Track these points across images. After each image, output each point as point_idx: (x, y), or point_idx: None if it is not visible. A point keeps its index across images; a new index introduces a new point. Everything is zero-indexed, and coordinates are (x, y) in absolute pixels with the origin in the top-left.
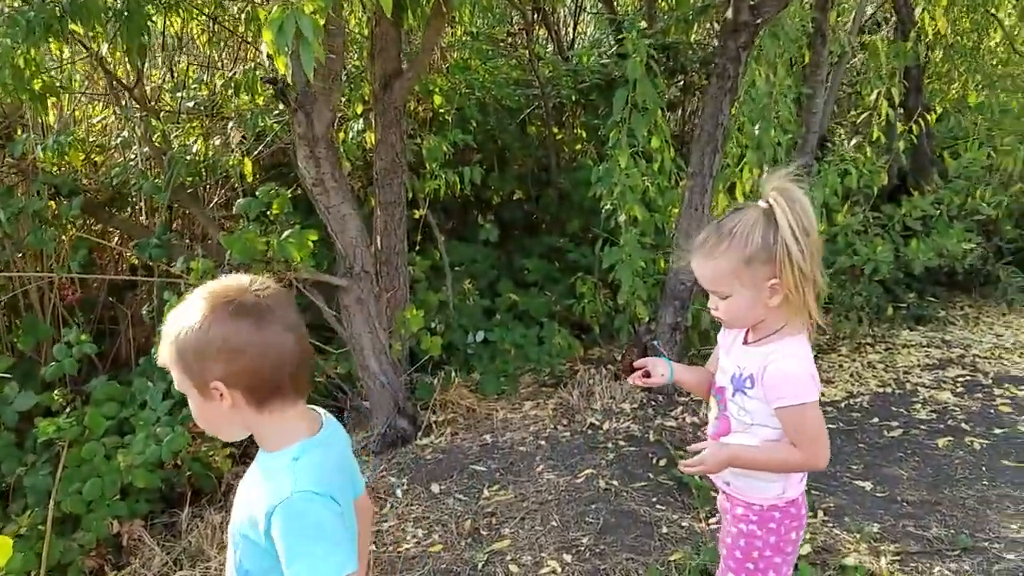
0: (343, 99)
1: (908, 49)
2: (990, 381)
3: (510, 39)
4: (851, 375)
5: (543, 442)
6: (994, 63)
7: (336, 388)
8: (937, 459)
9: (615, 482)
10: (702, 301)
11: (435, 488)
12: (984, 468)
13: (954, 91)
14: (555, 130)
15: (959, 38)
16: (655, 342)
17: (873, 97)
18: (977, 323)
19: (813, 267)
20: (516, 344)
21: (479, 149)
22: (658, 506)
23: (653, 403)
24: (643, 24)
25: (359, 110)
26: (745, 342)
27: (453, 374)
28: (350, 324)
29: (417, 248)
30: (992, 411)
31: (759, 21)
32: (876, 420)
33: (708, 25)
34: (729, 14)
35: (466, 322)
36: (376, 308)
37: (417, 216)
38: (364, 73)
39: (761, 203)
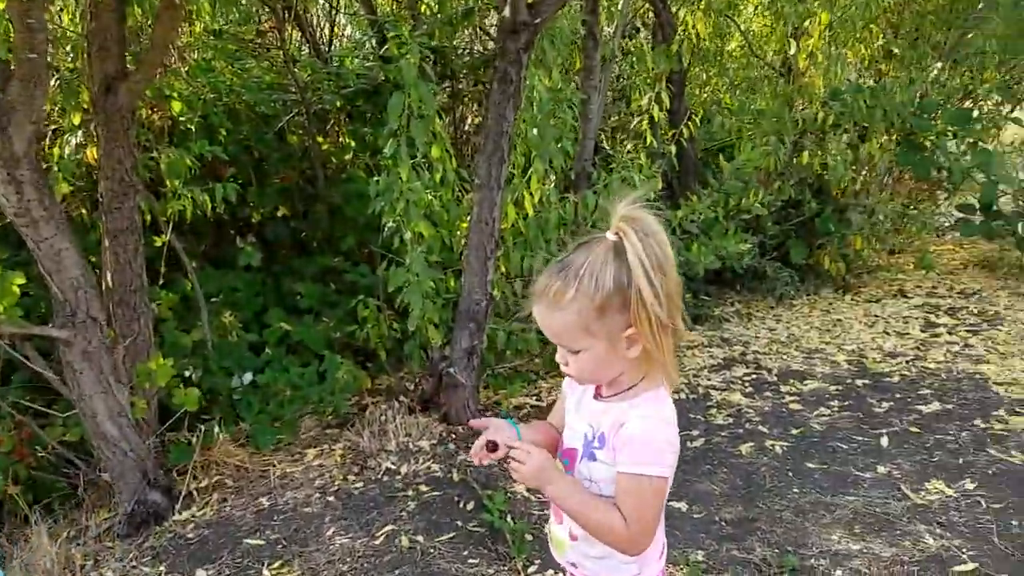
0: (54, 107)
1: (673, 53)
2: (775, 378)
3: (260, 39)
4: None
5: (332, 498)
6: (735, 67)
7: (66, 461)
8: (744, 468)
9: (420, 538)
10: (498, 320)
11: (201, 574)
12: (791, 473)
13: (706, 95)
14: (319, 139)
15: (705, 42)
16: (450, 369)
17: (645, 102)
18: (750, 319)
19: (672, 312)
20: (292, 384)
21: (232, 162)
22: (470, 560)
23: (454, 435)
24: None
25: (77, 120)
26: (598, 395)
27: (216, 428)
28: (76, 385)
29: (162, 281)
30: (784, 410)
31: (538, 21)
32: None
33: (471, 30)
34: (507, 13)
35: (229, 363)
36: (110, 361)
37: (160, 243)
38: (81, 76)
39: (610, 235)
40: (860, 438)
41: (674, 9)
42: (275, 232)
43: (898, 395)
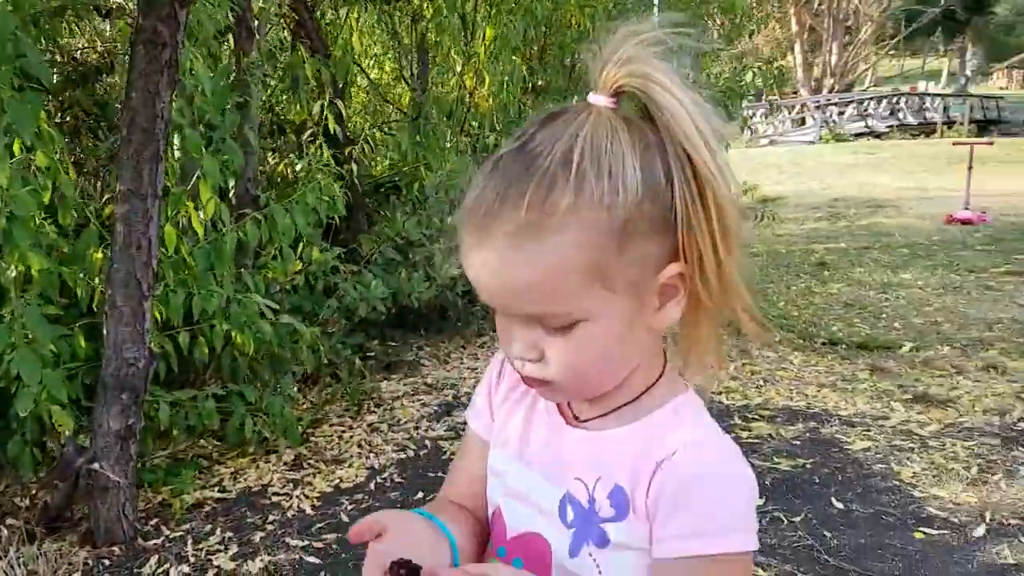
0: None
1: (341, 59)
2: None
3: None
4: (361, 448)
5: None
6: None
7: None
8: None
9: None
10: (157, 390)
11: None
12: None
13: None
14: None
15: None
16: (94, 465)
17: (316, 109)
18: (447, 361)
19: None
20: None
21: None
22: None
23: (109, 561)
24: None
25: None
26: (574, 419)
27: None
28: None
29: None
30: None
31: None
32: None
33: None
34: None
35: None
36: None
37: None
38: None
39: (602, 99)
40: None
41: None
42: None
43: None
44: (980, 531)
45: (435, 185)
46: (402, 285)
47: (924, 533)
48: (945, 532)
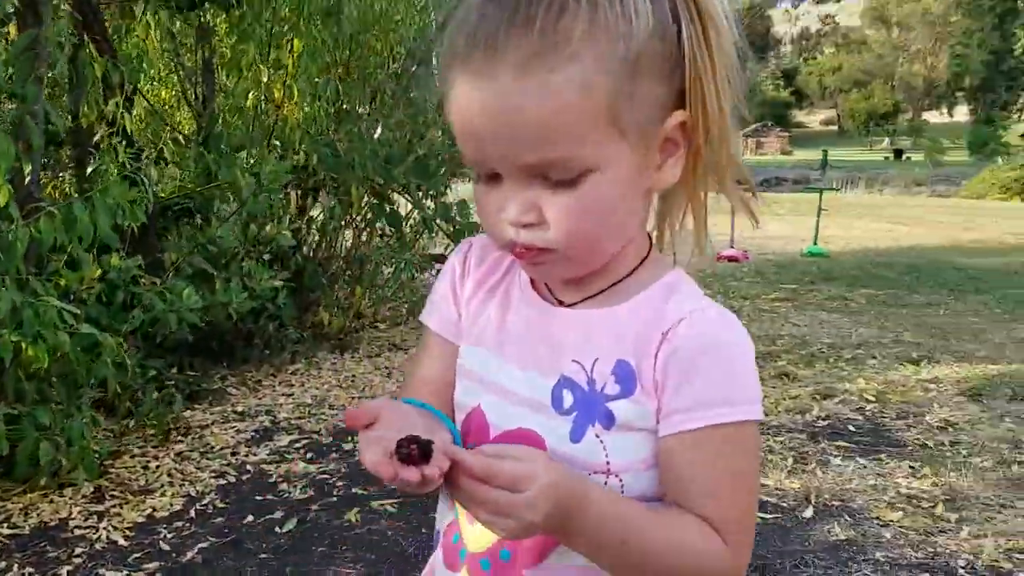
0: None
1: (133, 64)
2: (330, 438)
3: None
4: (173, 477)
5: None
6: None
7: None
8: (375, 541)
9: None
10: None
11: None
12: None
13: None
14: None
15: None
16: None
17: (112, 108)
18: (256, 389)
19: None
20: None
21: None
22: None
23: None
24: None
25: None
26: (559, 303)
27: None
28: None
29: None
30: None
31: None
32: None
33: None
34: None
35: None
36: None
37: None
38: None
39: None
40: None
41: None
42: None
43: None
44: (808, 512)
45: (245, 199)
46: (218, 295)
47: (760, 518)
48: (778, 515)
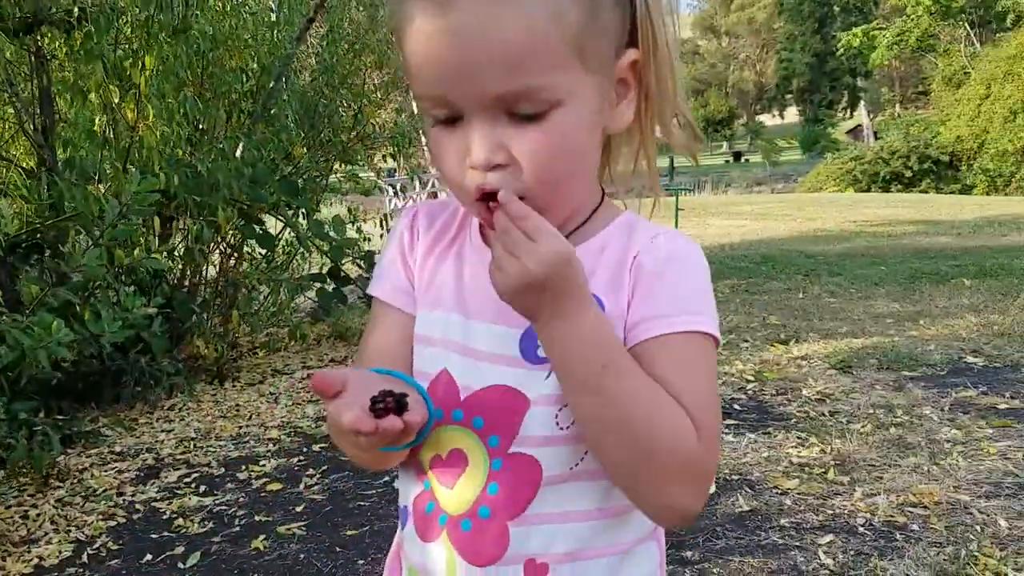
0: None
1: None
2: (223, 469)
3: None
4: (57, 524)
5: None
6: None
7: None
8: (286, 567)
9: None
10: None
11: None
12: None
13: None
14: None
15: None
16: None
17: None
18: (133, 429)
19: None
20: None
21: None
22: None
23: None
24: None
25: None
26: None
27: None
28: None
29: None
30: (265, 493)
31: None
32: None
33: None
34: None
35: None
36: None
37: None
38: None
39: None
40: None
41: None
42: None
43: None
44: (712, 488)
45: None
46: (89, 326)
47: None
48: None
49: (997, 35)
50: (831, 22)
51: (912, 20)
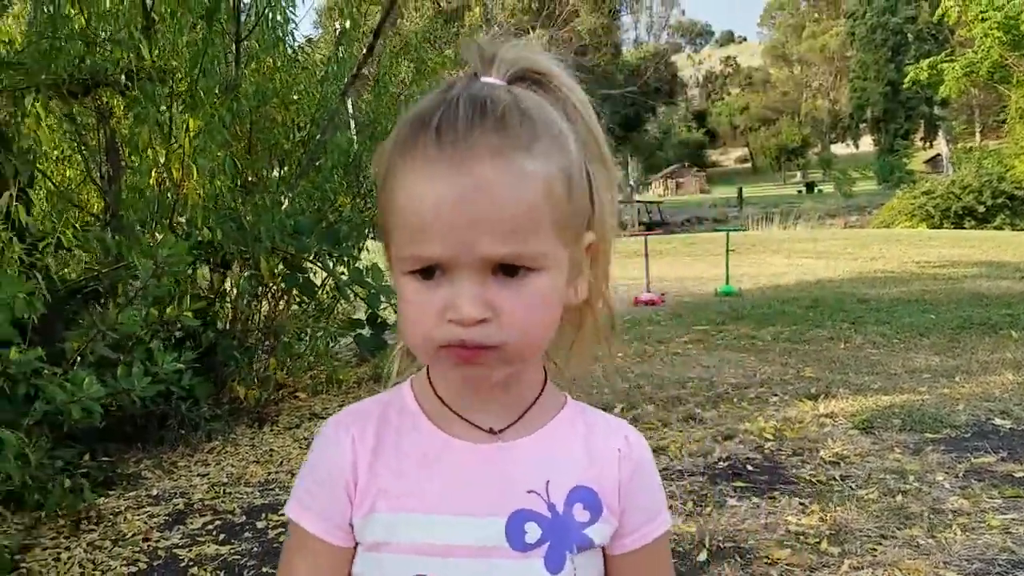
0: None
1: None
2: (243, 518)
3: None
4: (84, 568)
5: None
6: None
7: None
8: None
9: None
10: None
11: None
12: None
13: None
14: None
15: None
16: None
17: (5, 201)
18: (172, 471)
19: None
20: None
21: None
22: None
23: None
24: None
25: None
26: (491, 433)
27: None
28: None
29: None
30: (277, 546)
31: None
32: None
33: None
34: None
35: None
36: None
37: None
38: None
39: (496, 82)
40: None
41: None
42: None
43: None
44: (703, 556)
45: (145, 283)
46: (120, 382)
47: None
48: (674, 560)
49: None
50: (904, 50)
51: (982, 51)
